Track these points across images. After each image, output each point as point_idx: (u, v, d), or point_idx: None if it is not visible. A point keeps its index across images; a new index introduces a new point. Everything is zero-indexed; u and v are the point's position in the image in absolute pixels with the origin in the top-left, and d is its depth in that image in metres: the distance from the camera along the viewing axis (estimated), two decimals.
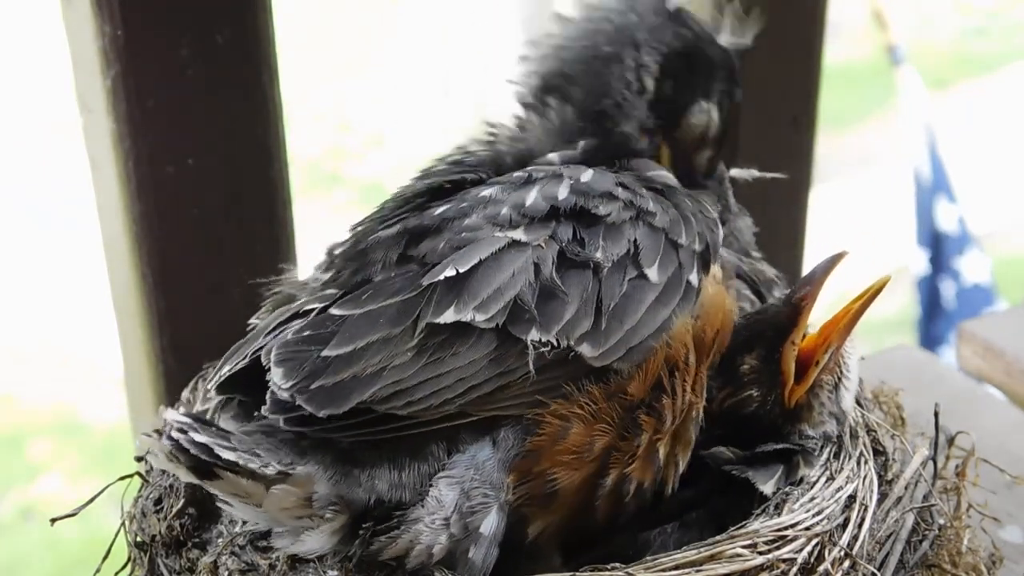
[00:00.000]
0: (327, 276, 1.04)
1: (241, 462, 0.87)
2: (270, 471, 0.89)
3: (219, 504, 0.97)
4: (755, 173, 1.25)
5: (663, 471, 1.01)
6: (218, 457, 0.87)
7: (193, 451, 0.86)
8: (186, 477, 0.90)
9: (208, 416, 1.01)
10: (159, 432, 0.87)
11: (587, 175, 1.04)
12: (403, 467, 0.94)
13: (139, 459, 1.16)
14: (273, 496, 0.90)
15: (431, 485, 0.94)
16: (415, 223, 1.01)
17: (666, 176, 1.09)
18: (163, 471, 1.12)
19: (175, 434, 0.86)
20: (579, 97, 1.11)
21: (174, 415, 0.88)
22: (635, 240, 1.00)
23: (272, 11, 1.41)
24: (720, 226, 1.10)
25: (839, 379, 1.09)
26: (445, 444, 0.95)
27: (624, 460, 0.98)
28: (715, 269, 1.07)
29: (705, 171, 1.16)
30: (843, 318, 1.07)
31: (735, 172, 1.23)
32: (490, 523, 0.95)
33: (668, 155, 1.14)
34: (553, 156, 1.10)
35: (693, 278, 1.02)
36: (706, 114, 1.14)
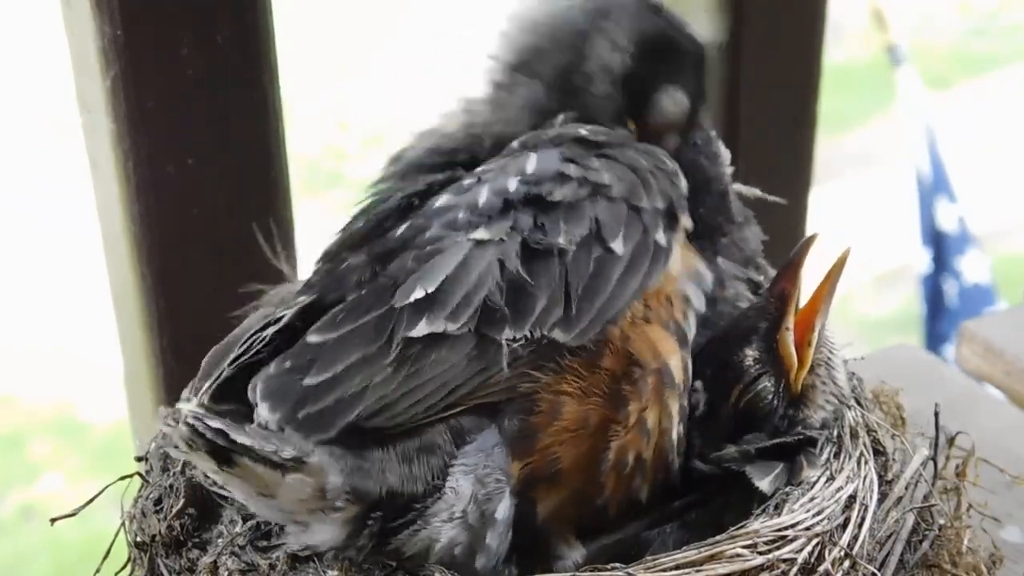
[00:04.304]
0: (303, 295, 1.04)
1: (257, 447, 0.89)
2: (286, 455, 0.90)
3: (235, 501, 0.98)
4: (757, 192, 1.26)
5: (658, 441, 1.01)
6: (234, 442, 0.88)
7: (210, 436, 0.88)
8: (205, 464, 0.91)
9: None
10: (176, 421, 0.88)
11: (531, 163, 1.04)
12: (412, 460, 0.95)
13: (139, 459, 1.16)
14: (288, 485, 0.91)
15: (448, 475, 0.95)
16: (380, 249, 1.02)
17: (613, 133, 1.09)
18: (164, 470, 1.12)
19: (192, 420, 0.88)
20: (548, 73, 1.12)
21: (189, 406, 0.90)
22: (596, 217, 1.01)
23: (272, 11, 1.42)
24: (681, 176, 1.09)
25: (828, 356, 1.10)
26: (450, 435, 0.96)
27: (620, 433, 0.99)
28: (686, 221, 1.08)
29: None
30: (818, 299, 1.09)
31: (738, 187, 1.24)
32: (504, 508, 0.97)
33: (635, 135, 1.14)
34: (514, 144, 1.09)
35: (660, 238, 1.03)
36: (673, 99, 1.14)
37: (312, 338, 0.96)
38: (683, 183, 1.09)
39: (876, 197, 4.82)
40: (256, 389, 0.95)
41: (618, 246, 1.00)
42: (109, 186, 1.42)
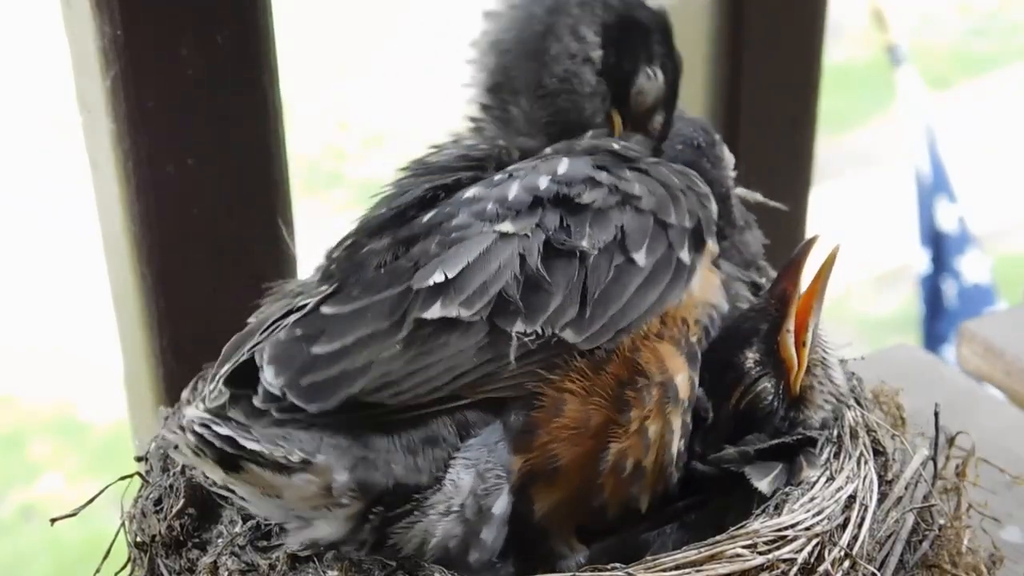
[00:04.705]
0: (325, 284, 1.04)
1: (266, 452, 0.89)
2: (294, 459, 0.90)
3: (235, 501, 0.98)
4: (758, 197, 1.26)
5: (658, 452, 1.01)
6: (243, 448, 0.88)
7: (218, 444, 0.88)
8: (212, 471, 0.91)
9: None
10: (182, 428, 0.88)
11: (563, 165, 1.05)
12: (416, 452, 0.95)
13: (139, 459, 1.16)
14: (295, 486, 0.91)
15: (448, 467, 0.95)
16: (405, 234, 1.03)
17: (641, 150, 1.10)
18: (164, 470, 1.12)
19: (199, 428, 0.88)
20: (524, 85, 1.12)
21: (195, 412, 0.90)
22: (622, 225, 1.01)
23: (272, 11, 1.42)
24: (712, 200, 1.10)
25: (823, 356, 1.11)
26: (455, 428, 0.97)
27: (620, 436, 0.99)
28: (712, 244, 1.09)
29: (660, 135, 1.17)
30: (811, 298, 1.09)
31: (740, 191, 1.24)
32: (502, 504, 0.97)
33: (619, 124, 1.15)
34: (547, 150, 1.10)
35: (684, 256, 1.04)
36: (652, 80, 1.14)
37: (326, 309, 0.97)
38: (713, 206, 1.10)
39: (876, 197, 4.82)
40: (263, 353, 0.95)
41: (640, 257, 1.01)
42: (109, 186, 1.42)
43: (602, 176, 1.04)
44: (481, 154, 1.11)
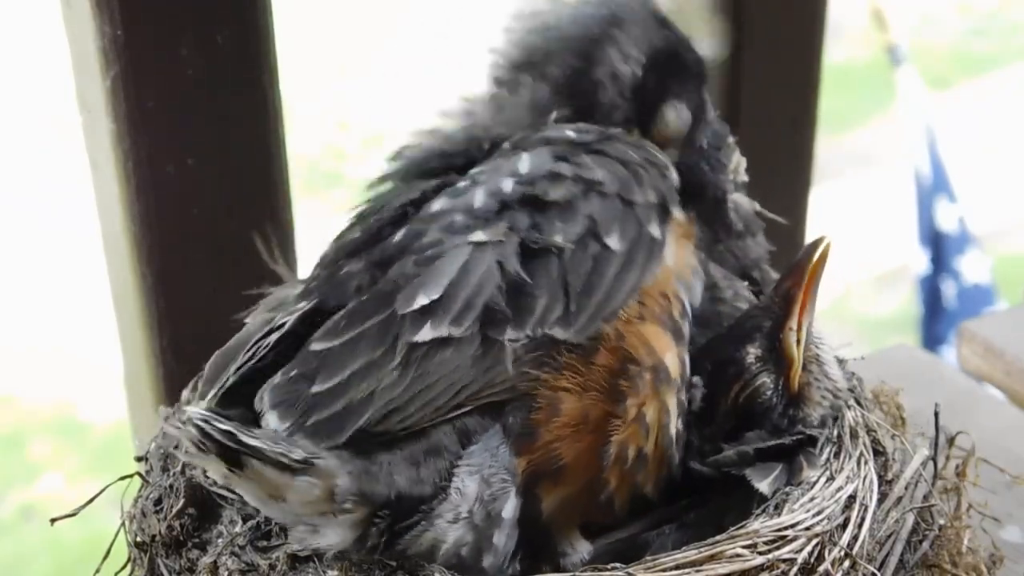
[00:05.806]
0: (303, 300, 1.04)
1: (267, 448, 0.89)
2: (296, 456, 0.90)
3: (235, 501, 0.99)
4: (756, 206, 1.26)
5: (658, 435, 1.01)
6: (243, 444, 0.88)
7: (218, 437, 0.88)
8: (214, 467, 0.91)
9: None
10: (182, 423, 0.89)
11: (524, 163, 1.05)
12: (419, 462, 0.95)
13: (139, 459, 1.16)
14: (298, 488, 0.91)
15: (453, 475, 0.95)
16: (378, 255, 1.02)
17: (599, 132, 1.10)
18: (164, 470, 1.12)
19: (200, 423, 0.88)
20: (557, 76, 1.12)
21: (196, 409, 0.90)
22: (590, 214, 1.01)
23: (272, 11, 1.42)
24: (672, 169, 1.11)
25: (817, 353, 1.11)
26: (456, 436, 0.97)
27: (620, 427, 1.00)
28: (678, 214, 1.09)
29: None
30: (805, 296, 1.10)
31: (738, 198, 1.24)
32: (510, 507, 0.97)
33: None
34: (505, 144, 1.10)
35: (655, 231, 1.04)
36: (678, 114, 1.15)
37: (316, 346, 0.97)
38: (674, 175, 1.10)
39: (876, 197, 4.82)
40: (264, 398, 0.95)
41: (614, 242, 1.01)
42: (109, 186, 1.42)
43: (563, 167, 1.04)
44: (453, 149, 1.11)
